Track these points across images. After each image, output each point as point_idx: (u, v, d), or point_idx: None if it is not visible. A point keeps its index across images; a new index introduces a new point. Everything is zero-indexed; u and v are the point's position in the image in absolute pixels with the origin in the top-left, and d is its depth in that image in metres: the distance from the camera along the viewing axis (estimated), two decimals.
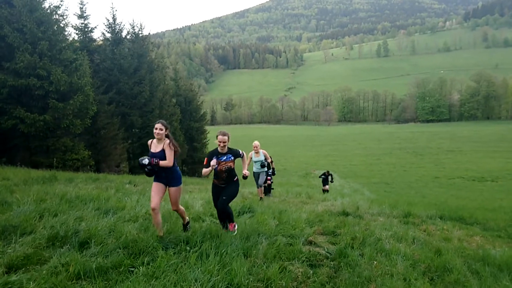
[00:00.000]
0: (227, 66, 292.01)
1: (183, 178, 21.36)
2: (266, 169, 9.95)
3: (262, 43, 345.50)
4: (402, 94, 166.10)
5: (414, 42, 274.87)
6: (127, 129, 29.20)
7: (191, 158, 39.41)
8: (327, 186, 18.93)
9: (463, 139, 78.05)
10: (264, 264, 4.17)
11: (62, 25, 20.23)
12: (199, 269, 3.80)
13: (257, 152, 9.66)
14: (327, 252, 4.90)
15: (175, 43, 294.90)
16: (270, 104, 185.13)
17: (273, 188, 12.81)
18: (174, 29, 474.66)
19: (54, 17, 19.62)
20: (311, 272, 4.14)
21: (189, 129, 39.46)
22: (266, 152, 9.73)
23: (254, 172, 9.83)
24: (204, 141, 41.97)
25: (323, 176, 19.23)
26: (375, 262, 4.50)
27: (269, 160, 9.72)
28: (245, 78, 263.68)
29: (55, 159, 18.06)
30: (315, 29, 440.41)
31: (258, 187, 10.23)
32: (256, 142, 9.54)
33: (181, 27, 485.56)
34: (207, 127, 44.78)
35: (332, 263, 4.52)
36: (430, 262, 4.78)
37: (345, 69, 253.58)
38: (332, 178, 19.52)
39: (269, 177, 11.51)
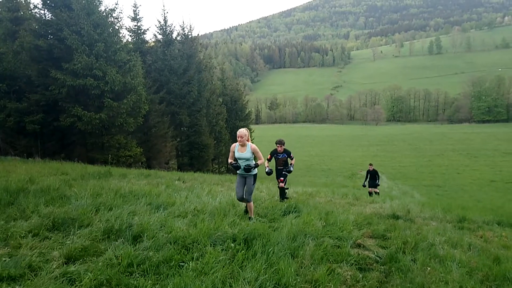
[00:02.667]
0: (273, 65, 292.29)
1: (229, 176, 21.28)
2: (254, 172, 6.40)
3: (308, 42, 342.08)
4: (455, 93, 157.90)
5: (470, 38, 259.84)
6: (176, 128, 30.11)
7: None
8: (375, 188, 15.68)
9: None
10: (311, 265, 4.12)
11: (117, 28, 21.21)
12: (247, 267, 3.83)
13: (242, 145, 6.23)
14: (377, 256, 4.75)
15: (222, 43, 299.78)
16: (316, 103, 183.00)
17: (287, 189, 9.75)
18: (221, 30, 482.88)
19: (110, 19, 20.60)
20: (361, 276, 4.03)
21: (234, 128, 39.99)
22: (256, 148, 6.22)
23: (238, 174, 6.54)
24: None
25: (369, 175, 15.90)
26: (429, 269, 4.30)
27: (260, 161, 6.24)
28: (290, 77, 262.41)
29: (110, 155, 18.96)
30: (363, 26, 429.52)
31: (237, 198, 6.50)
32: (242, 130, 6.24)
33: (228, 27, 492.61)
34: (252, 126, 45.14)
35: (382, 267, 4.38)
36: (488, 271, 4.50)
37: (394, 67, 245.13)
38: (378, 179, 16.00)
39: (281, 178, 8.60)
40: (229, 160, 6.46)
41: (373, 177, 15.91)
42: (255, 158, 6.37)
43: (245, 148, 6.26)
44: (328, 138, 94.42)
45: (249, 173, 6.38)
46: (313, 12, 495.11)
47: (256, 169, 6.41)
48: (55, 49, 19.06)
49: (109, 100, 19.19)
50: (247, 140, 6.32)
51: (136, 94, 20.77)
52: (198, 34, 34.63)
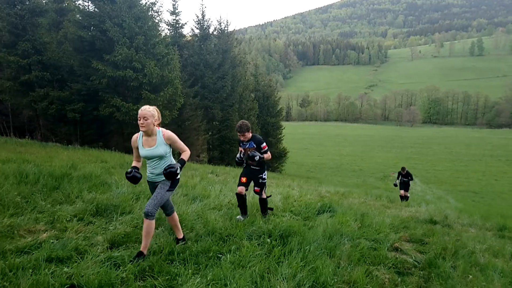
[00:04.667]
0: (306, 62, 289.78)
1: None
2: (177, 176, 3.91)
3: (344, 39, 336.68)
4: (496, 97, 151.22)
5: None
6: (208, 122, 30.50)
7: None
8: (406, 192, 14.29)
9: None
10: (348, 266, 4.08)
11: (157, 21, 21.64)
12: (283, 263, 3.84)
13: (148, 134, 3.88)
14: (415, 261, 4.64)
15: (256, 39, 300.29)
16: (349, 102, 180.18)
17: (269, 196, 6.53)
18: (256, 25, 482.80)
19: (150, 13, 21.03)
20: (399, 279, 3.96)
21: (265, 124, 40.02)
22: (172, 135, 4.03)
23: (148, 181, 4.17)
24: (279, 136, 42.28)
25: (400, 178, 14.42)
26: (470, 276, 4.16)
27: (185, 154, 4.18)
28: (324, 74, 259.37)
29: None
30: (402, 25, 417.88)
31: (145, 216, 3.80)
32: (145, 108, 3.81)
33: (263, 23, 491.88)
34: (282, 123, 45.01)
35: (421, 272, 4.27)
36: None
37: (433, 68, 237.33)
38: (411, 177, 14.33)
39: (257, 187, 5.72)
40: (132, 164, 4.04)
41: (406, 180, 14.60)
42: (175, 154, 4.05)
43: (154, 140, 3.83)
44: (360, 138, 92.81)
45: (167, 182, 3.99)
46: (351, 9, 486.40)
47: (172, 172, 3.80)
48: (97, 40, 19.65)
49: (146, 92, 19.62)
50: (157, 125, 3.87)
51: (173, 87, 21.13)
52: (234, 29, 34.72)
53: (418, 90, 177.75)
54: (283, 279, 3.47)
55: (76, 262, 3.49)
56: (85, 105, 20.13)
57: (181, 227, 4.70)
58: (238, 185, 5.59)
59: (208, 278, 3.32)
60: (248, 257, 3.88)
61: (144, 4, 20.62)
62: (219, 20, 33.70)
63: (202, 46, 29.43)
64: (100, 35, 19.59)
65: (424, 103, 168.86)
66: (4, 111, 25.13)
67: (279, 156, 40.68)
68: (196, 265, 3.67)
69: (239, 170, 18.87)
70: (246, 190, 5.62)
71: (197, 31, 30.64)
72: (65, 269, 3.31)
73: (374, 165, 52.94)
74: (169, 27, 28.33)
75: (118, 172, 8.74)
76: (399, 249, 5.07)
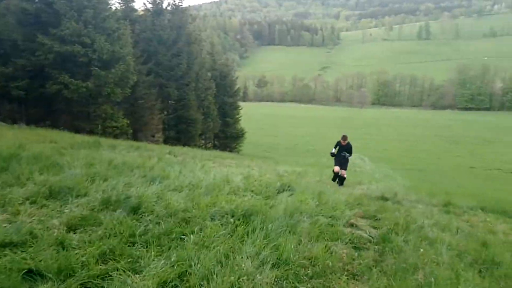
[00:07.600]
0: (262, 42, 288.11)
1: (219, 152, 21.45)
2: None
3: (299, 20, 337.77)
4: (441, 80, 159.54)
5: (458, 25, 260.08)
6: (163, 101, 29.73)
7: (223, 133, 39.95)
8: (344, 171, 10.34)
9: (504, 130, 74.63)
10: (309, 242, 4.22)
11: None
12: (247, 242, 3.89)
13: None
14: (370, 236, 4.90)
15: (211, 16, 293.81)
16: (303, 83, 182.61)
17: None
18: (210, 2, 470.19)
19: None
20: (356, 254, 4.16)
21: (222, 104, 39.73)
22: None
23: None
24: (237, 116, 42.23)
25: (338, 149, 10.56)
26: (421, 250, 4.46)
27: None
28: (280, 55, 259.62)
29: (99, 125, 18.70)
30: (354, 7, 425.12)
31: None
32: None
33: (218, 0, 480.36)
34: (240, 103, 44.93)
35: (376, 247, 4.52)
36: (477, 254, 4.70)
37: (383, 51, 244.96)
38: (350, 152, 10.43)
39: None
40: None
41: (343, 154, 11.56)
42: None
43: None
44: (314, 119, 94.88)
45: None
46: None
47: None
48: (43, 13, 18.37)
49: (96, 68, 18.77)
50: None
51: (125, 63, 20.35)
52: (188, 5, 33.74)
53: (368, 72, 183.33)
54: (247, 258, 3.52)
55: (31, 246, 3.33)
56: (31, 81, 18.88)
57: (142, 209, 4.60)
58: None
59: (172, 260, 3.29)
60: (212, 237, 3.89)
61: None
62: None
63: (155, 21, 28.38)
64: (45, 8, 18.33)
65: (374, 85, 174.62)
66: None
67: (237, 136, 40.73)
68: (158, 247, 3.62)
69: (197, 151, 18.66)
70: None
71: (149, 5, 29.47)
72: (19, 253, 3.15)
73: (327, 146, 54.05)
74: (119, 1, 26.99)
75: (70, 153, 8.35)
76: (355, 225, 5.31)
